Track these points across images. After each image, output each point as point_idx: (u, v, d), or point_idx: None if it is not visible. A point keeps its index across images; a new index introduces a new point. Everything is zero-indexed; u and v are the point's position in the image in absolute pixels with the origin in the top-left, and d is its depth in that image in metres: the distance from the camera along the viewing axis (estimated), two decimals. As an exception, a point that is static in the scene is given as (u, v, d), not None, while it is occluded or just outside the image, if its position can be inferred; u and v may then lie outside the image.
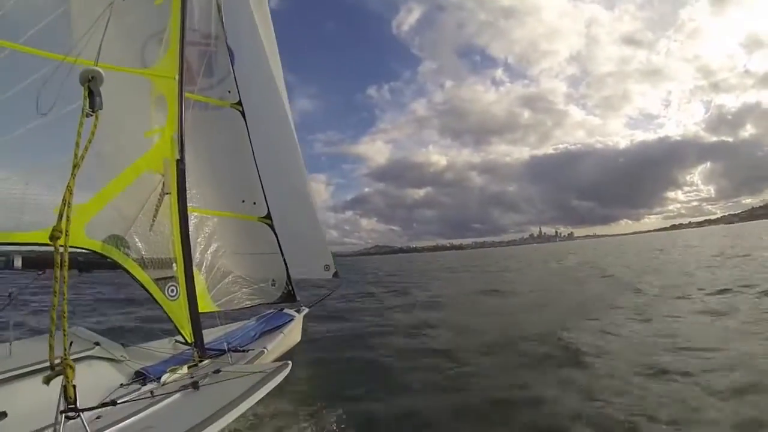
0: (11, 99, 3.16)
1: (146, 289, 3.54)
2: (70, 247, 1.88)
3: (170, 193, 3.72)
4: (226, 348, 3.99)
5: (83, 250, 3.27)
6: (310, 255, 6.49)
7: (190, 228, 4.04)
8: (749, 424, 3.40)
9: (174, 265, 3.74)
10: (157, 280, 3.59)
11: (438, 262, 57.95)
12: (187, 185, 3.94)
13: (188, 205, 3.98)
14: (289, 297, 5.60)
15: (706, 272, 14.49)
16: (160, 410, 2.52)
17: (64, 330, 1.77)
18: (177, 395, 2.71)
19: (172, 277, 3.70)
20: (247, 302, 5.12)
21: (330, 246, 7.12)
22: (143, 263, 3.52)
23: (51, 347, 1.73)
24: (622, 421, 3.56)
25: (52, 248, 1.80)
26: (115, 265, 3.42)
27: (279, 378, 2.88)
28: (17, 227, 3.01)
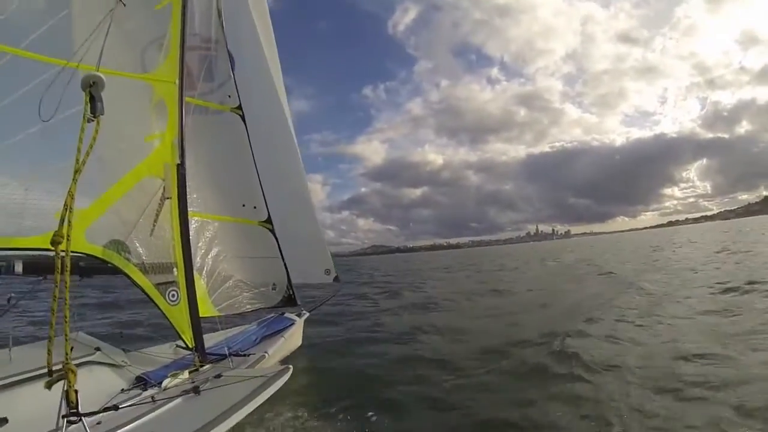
0: (12, 104, 3.17)
1: (147, 294, 3.53)
2: (71, 252, 1.88)
3: (171, 198, 3.72)
4: (227, 352, 3.98)
5: (84, 255, 3.27)
6: (311, 259, 6.48)
7: (191, 232, 4.04)
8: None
9: (175, 269, 3.74)
10: (157, 285, 3.59)
11: (435, 261, 56.87)
12: (187, 190, 3.94)
13: (189, 209, 3.98)
14: (289, 301, 5.60)
15: (710, 269, 14.07)
16: (162, 415, 2.52)
17: (65, 335, 1.77)
18: (178, 400, 2.71)
19: (172, 282, 3.70)
20: (248, 306, 5.12)
21: (327, 247, 7.10)
22: (144, 268, 3.52)
23: (49, 352, 1.72)
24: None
25: (53, 253, 1.80)
26: (115, 270, 3.42)
27: (280, 382, 2.88)
28: (18, 232, 3.01)
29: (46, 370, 1.75)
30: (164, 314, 3.62)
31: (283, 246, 5.42)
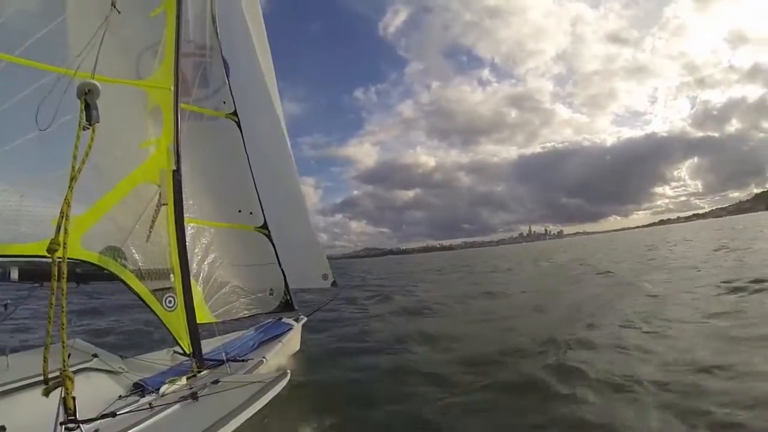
0: (7, 111, 3.17)
1: (143, 300, 3.54)
2: (68, 259, 1.89)
3: (167, 204, 3.73)
4: (224, 358, 3.97)
5: (81, 262, 3.26)
6: (308, 264, 6.46)
7: (187, 239, 4.04)
8: None
9: (171, 275, 3.74)
10: (154, 291, 3.59)
11: (428, 263, 56.25)
12: (183, 196, 3.94)
13: (185, 215, 3.99)
14: (287, 306, 5.58)
15: (711, 267, 13.63)
16: (159, 422, 2.51)
17: (63, 342, 1.77)
18: (176, 406, 2.70)
19: (169, 288, 3.70)
20: (245, 312, 5.10)
21: (324, 251, 7.09)
22: (140, 274, 3.52)
23: (45, 360, 1.73)
24: None
25: (49, 260, 1.80)
26: (112, 277, 3.42)
27: (278, 388, 2.88)
28: (14, 239, 3.01)
29: (43, 377, 1.76)
30: (161, 320, 3.62)
31: (280, 251, 5.42)
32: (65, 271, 1.81)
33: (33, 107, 3.01)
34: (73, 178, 1.96)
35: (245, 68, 5.97)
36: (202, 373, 3.67)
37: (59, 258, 1.81)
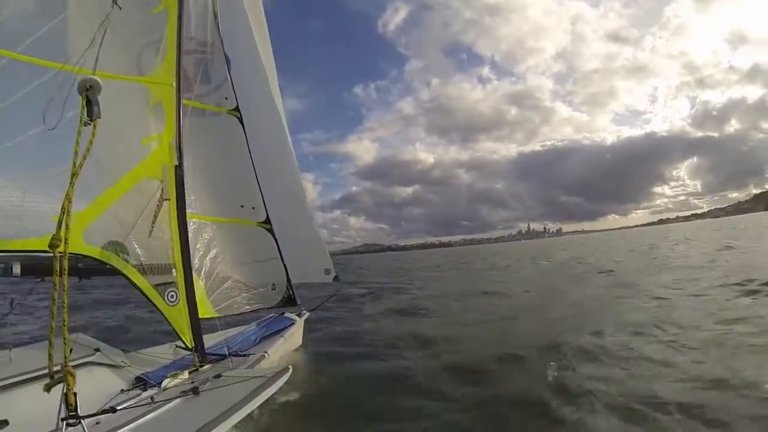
0: (8, 108, 3.18)
1: (146, 295, 3.55)
2: (69, 253, 1.90)
3: (169, 199, 3.74)
4: (226, 353, 3.99)
5: (83, 257, 3.28)
6: (310, 259, 6.49)
7: (189, 234, 4.05)
8: None
9: (173, 270, 3.76)
10: (156, 286, 3.60)
11: (426, 260, 55.00)
12: (185, 191, 3.96)
13: (187, 211, 4.00)
14: (289, 301, 5.61)
15: (718, 268, 13.08)
16: (161, 416, 2.53)
17: (64, 337, 1.79)
18: (177, 401, 2.72)
19: (171, 283, 3.72)
20: (247, 307, 5.13)
21: (325, 246, 7.10)
22: (142, 269, 3.54)
23: (50, 357, 1.74)
24: None
25: (51, 255, 1.82)
26: (114, 271, 3.44)
27: (280, 383, 2.89)
28: (16, 234, 3.03)
29: (45, 371, 1.77)
30: (163, 315, 3.64)
31: (282, 246, 5.44)
32: (67, 267, 1.82)
33: (34, 104, 3.03)
34: (74, 174, 1.97)
35: (247, 65, 5.97)
36: (204, 368, 3.69)
37: (60, 253, 1.82)
